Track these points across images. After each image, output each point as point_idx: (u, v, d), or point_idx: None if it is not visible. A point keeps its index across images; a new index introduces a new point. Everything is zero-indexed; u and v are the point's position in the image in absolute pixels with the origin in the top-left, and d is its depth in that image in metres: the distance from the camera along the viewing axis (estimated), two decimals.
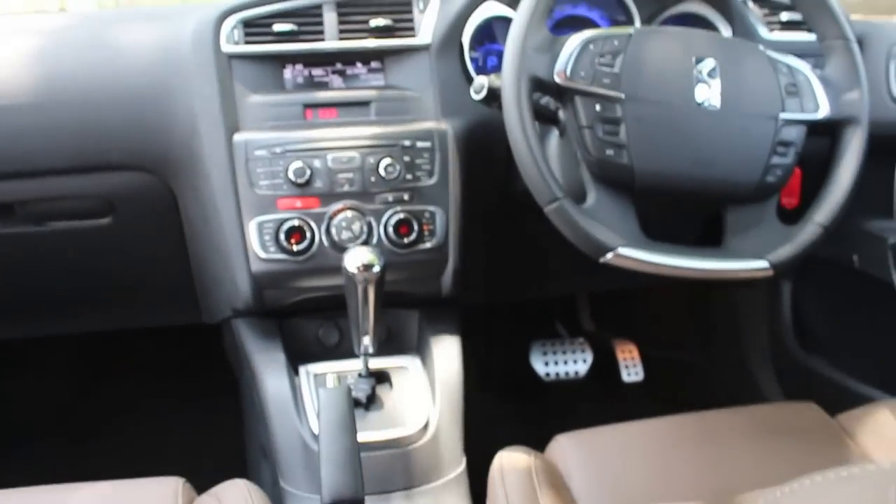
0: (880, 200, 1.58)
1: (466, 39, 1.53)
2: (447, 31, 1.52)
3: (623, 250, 1.19)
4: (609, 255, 1.20)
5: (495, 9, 1.54)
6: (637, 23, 1.61)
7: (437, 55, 1.52)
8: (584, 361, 2.07)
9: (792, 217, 1.33)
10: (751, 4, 1.67)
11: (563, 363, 2.06)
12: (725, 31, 1.62)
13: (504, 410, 2.14)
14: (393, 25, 1.52)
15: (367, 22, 1.51)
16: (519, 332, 2.16)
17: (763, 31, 1.64)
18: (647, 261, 1.21)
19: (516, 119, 1.18)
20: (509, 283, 1.85)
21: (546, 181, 1.18)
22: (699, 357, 2.25)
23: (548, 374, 2.04)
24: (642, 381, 2.11)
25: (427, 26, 1.53)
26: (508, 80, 1.19)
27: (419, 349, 1.56)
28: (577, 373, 2.06)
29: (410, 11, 1.54)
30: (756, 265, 1.24)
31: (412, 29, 1.53)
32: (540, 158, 1.18)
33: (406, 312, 1.59)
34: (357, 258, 1.28)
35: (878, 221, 1.70)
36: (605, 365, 2.13)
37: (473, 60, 1.56)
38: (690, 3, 1.63)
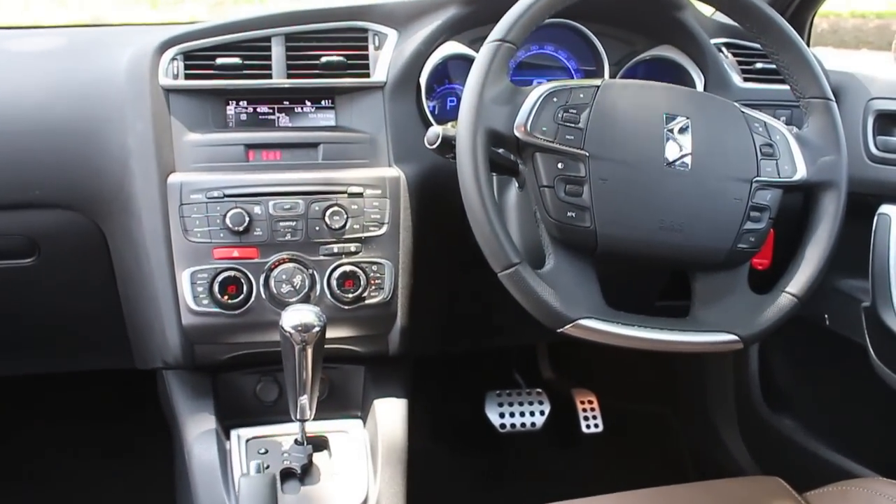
0: (854, 259, 1.51)
1: (424, 80, 1.44)
2: (403, 71, 1.42)
3: (583, 322, 1.10)
4: (568, 327, 1.10)
5: (456, 48, 1.45)
6: (606, 67, 1.53)
7: (391, 95, 1.42)
8: (542, 413, 1.97)
9: (764, 278, 1.25)
10: (725, 51, 1.60)
11: (520, 414, 1.96)
12: (698, 78, 1.55)
13: (459, 463, 2.05)
14: (345, 62, 1.42)
15: (318, 58, 1.41)
16: (475, 381, 2.06)
17: (736, 80, 1.57)
18: (610, 332, 1.12)
19: (471, 176, 1.08)
20: (465, 333, 1.76)
21: (501, 245, 1.09)
22: (662, 408, 2.17)
23: (503, 426, 1.94)
24: (602, 432, 2.01)
25: (382, 64, 1.43)
26: (464, 133, 1.10)
27: (364, 408, 1.46)
28: (533, 424, 1.96)
29: (365, 48, 1.44)
30: (725, 338, 1.16)
31: (366, 67, 1.43)
32: (495, 220, 1.08)
33: (351, 367, 1.49)
34: (294, 318, 1.18)
35: (851, 280, 1.62)
36: (565, 415, 2.03)
37: (431, 102, 1.47)
38: (662, 48, 1.56)
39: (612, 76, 1.54)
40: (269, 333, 1.29)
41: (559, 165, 1.11)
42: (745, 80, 1.58)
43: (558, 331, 1.11)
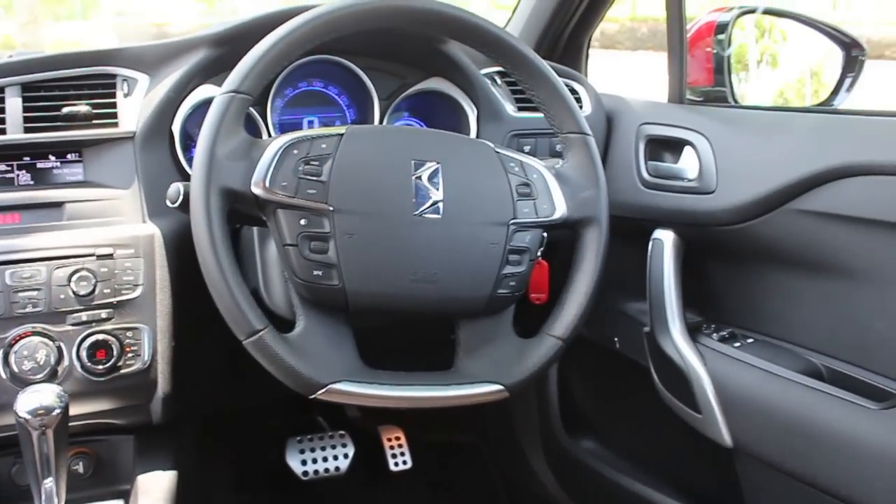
0: (638, 283, 1.52)
1: (178, 128, 1.34)
2: (154, 119, 1.32)
3: (337, 386, 1.04)
4: (320, 393, 1.04)
5: (210, 92, 1.36)
6: (376, 102, 1.48)
7: (143, 146, 1.32)
8: (345, 455, 1.90)
9: (546, 311, 1.22)
10: (498, 80, 1.58)
11: (322, 459, 1.88)
12: (470, 109, 1.52)
13: None
14: (90, 112, 1.31)
15: (59, 108, 1.30)
16: (276, 428, 1.97)
17: (510, 109, 1.56)
18: (366, 394, 1.06)
19: (206, 240, 1.00)
20: (256, 385, 1.67)
21: (242, 311, 1.01)
22: (471, 438, 2.14)
23: (305, 473, 1.86)
24: (411, 467, 1.96)
25: (131, 113, 1.33)
26: (197, 193, 1.01)
27: (132, 483, 1.35)
28: (337, 468, 1.88)
29: (113, 96, 1.34)
30: (489, 389, 1.12)
31: (114, 116, 1.32)
32: (234, 285, 1.01)
33: (120, 438, 1.38)
34: (29, 401, 1.08)
35: (636, 304, 1.64)
36: (371, 455, 1.97)
37: (188, 151, 1.37)
38: (432, 80, 1.52)
39: (383, 111, 1.49)
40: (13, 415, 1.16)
41: (302, 222, 1.05)
42: (520, 109, 1.56)
43: (310, 397, 1.04)
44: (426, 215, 1.09)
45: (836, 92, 1.61)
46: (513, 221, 1.14)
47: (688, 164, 1.46)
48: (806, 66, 1.76)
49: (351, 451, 1.91)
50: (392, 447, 1.99)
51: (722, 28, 1.57)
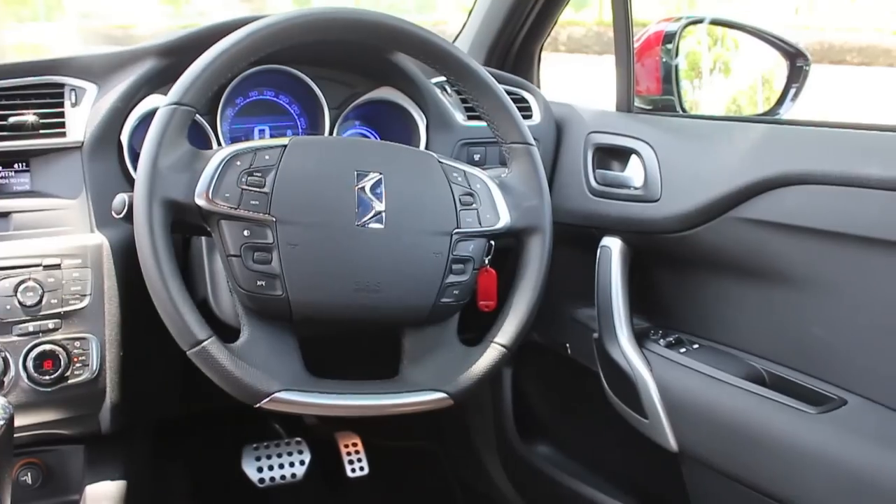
0: (588, 290, 1.53)
1: (126, 138, 1.35)
2: (102, 128, 1.33)
3: (281, 395, 1.05)
4: (264, 402, 1.04)
5: (159, 101, 1.35)
6: (326, 111, 1.49)
7: (90, 156, 1.32)
8: (302, 462, 1.91)
9: (490, 321, 1.23)
10: (449, 90, 1.59)
11: (279, 466, 1.89)
12: (420, 118, 1.53)
13: None
14: (38, 122, 1.30)
15: (6, 118, 1.29)
16: (232, 435, 1.97)
17: (460, 118, 1.57)
18: (310, 403, 1.07)
19: (149, 251, 1.01)
20: (209, 392, 1.68)
21: (184, 322, 1.02)
22: (428, 443, 2.15)
23: (262, 480, 1.87)
24: (368, 473, 1.97)
25: (79, 123, 1.33)
26: (140, 204, 1.02)
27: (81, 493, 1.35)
28: (294, 475, 1.89)
29: (61, 105, 1.33)
30: (433, 397, 1.13)
31: (62, 126, 1.32)
32: (177, 296, 1.01)
33: (70, 448, 1.37)
34: None
35: (585, 310, 1.66)
36: (328, 461, 1.98)
37: (136, 162, 1.37)
38: (382, 90, 1.53)
39: (334, 120, 1.50)
40: None
41: (245, 233, 1.05)
42: (469, 118, 1.58)
43: (255, 406, 1.05)
44: (369, 225, 1.10)
45: (780, 101, 1.64)
46: (456, 231, 1.15)
47: (634, 173, 1.48)
48: (758, 74, 1.79)
49: (307, 457, 1.91)
50: (349, 453, 2.01)
51: (669, 38, 1.60)
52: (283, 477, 1.89)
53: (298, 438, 1.93)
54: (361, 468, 1.97)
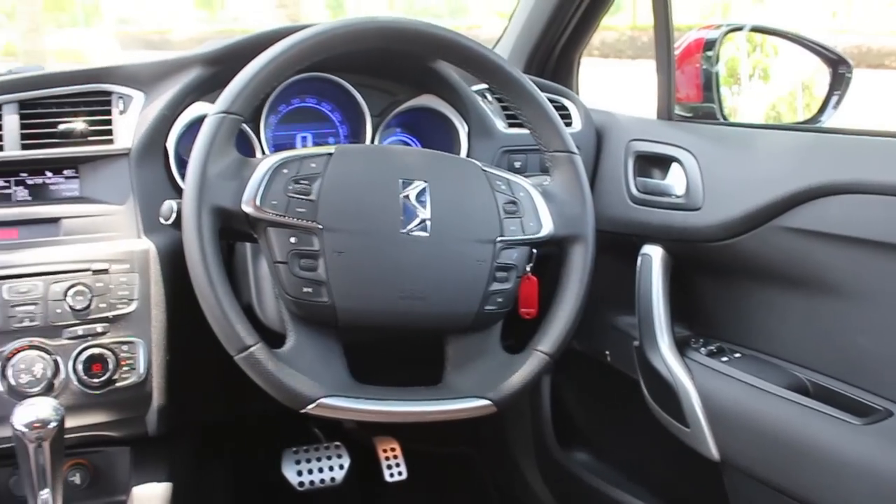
0: (629, 297, 1.53)
1: (172, 145, 1.37)
2: (149, 136, 1.35)
3: (326, 400, 1.06)
4: (310, 407, 1.06)
5: (204, 109, 1.38)
6: (368, 119, 1.50)
7: (138, 163, 1.34)
8: (341, 466, 1.91)
9: (532, 328, 1.24)
10: (489, 97, 1.60)
11: (318, 470, 1.90)
12: (461, 126, 1.54)
13: None
14: (86, 129, 1.33)
15: (56, 125, 1.32)
16: (271, 438, 1.99)
17: (501, 126, 1.58)
18: (356, 409, 1.08)
19: (198, 258, 1.03)
20: (254, 395, 1.70)
21: (233, 327, 1.03)
22: (466, 450, 2.16)
23: (301, 483, 1.88)
24: (406, 479, 1.98)
25: (127, 130, 1.35)
26: (189, 212, 1.04)
27: (128, 494, 1.37)
28: (333, 479, 1.90)
29: (109, 113, 1.36)
30: (477, 404, 1.14)
31: (110, 133, 1.35)
32: (225, 301, 1.03)
33: (116, 450, 1.40)
34: (27, 414, 1.10)
35: (626, 318, 1.66)
36: (367, 466, 1.99)
37: (182, 168, 1.40)
38: (424, 97, 1.54)
39: (375, 127, 1.52)
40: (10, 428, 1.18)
41: (292, 240, 1.07)
42: (510, 125, 1.58)
43: (301, 412, 1.06)
44: (414, 233, 1.11)
45: (822, 109, 1.63)
46: (499, 239, 1.16)
47: (675, 181, 1.48)
48: (797, 80, 1.78)
49: (346, 461, 1.92)
50: (387, 458, 2.01)
51: (710, 45, 1.59)
52: (322, 480, 1.89)
53: (338, 443, 1.94)
54: (400, 473, 1.97)
